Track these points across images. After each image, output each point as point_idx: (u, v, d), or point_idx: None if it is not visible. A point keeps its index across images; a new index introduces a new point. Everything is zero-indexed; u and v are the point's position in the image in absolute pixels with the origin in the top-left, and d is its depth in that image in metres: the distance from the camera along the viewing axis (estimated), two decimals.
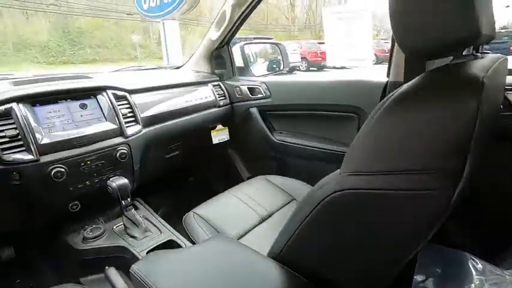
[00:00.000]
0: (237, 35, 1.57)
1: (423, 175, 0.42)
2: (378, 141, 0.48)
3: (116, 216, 1.06)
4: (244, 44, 1.69)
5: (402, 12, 0.48)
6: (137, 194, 1.30)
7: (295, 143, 1.41)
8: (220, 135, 1.61)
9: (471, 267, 0.79)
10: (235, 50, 1.68)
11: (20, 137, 0.88)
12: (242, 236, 1.00)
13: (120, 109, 1.10)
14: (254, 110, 1.52)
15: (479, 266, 0.78)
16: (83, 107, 1.04)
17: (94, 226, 1.07)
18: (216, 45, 1.55)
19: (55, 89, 1.00)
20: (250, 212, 1.10)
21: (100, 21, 19.42)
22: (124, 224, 1.06)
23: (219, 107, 1.53)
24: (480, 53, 0.64)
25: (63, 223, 1.07)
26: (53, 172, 0.92)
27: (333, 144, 1.31)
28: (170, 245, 1.03)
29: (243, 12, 1.38)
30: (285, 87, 1.46)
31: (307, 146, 1.36)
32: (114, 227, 1.08)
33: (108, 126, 1.05)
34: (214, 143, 1.58)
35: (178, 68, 1.79)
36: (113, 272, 0.93)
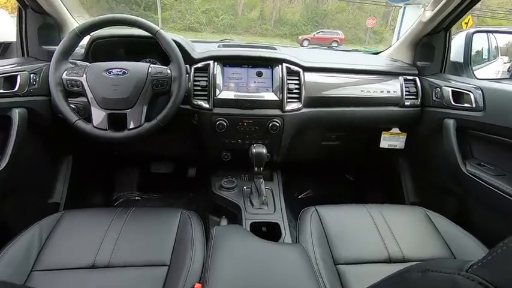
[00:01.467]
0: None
1: None
2: None
3: (252, 179, 1.15)
4: (475, 32, 1.22)
5: None
6: (282, 169, 1.33)
7: (494, 186, 0.92)
8: (392, 140, 1.33)
9: None
10: (458, 40, 1.25)
11: (207, 88, 1.10)
12: (351, 263, 0.82)
13: (288, 83, 1.12)
14: (450, 123, 1.11)
15: None
16: (259, 74, 1.14)
17: (232, 179, 1.21)
18: (429, 30, 1.20)
19: (243, 54, 1.15)
20: (378, 243, 0.87)
21: (344, 5, 20.48)
22: (251, 188, 1.13)
23: (403, 106, 1.24)
24: None
25: (217, 167, 1.29)
26: (217, 123, 1.10)
27: None
28: (274, 227, 1.01)
29: None
30: None
31: None
32: (245, 188, 1.18)
33: (271, 97, 1.11)
34: (381, 146, 1.33)
35: (376, 53, 1.59)
36: (223, 223, 1.04)
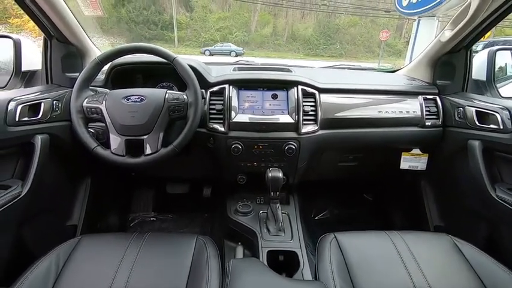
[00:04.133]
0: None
1: None
2: None
3: (268, 203, 1.13)
4: (498, 50, 1.18)
5: None
6: (299, 190, 1.31)
7: None
8: (413, 161, 1.28)
9: None
10: (480, 57, 1.21)
11: (222, 111, 1.10)
12: None
13: (303, 105, 1.11)
14: (476, 144, 1.06)
15: None
16: (274, 97, 1.14)
17: (247, 203, 1.19)
18: (449, 49, 1.17)
19: (258, 78, 1.15)
20: (402, 275, 0.82)
21: (356, 19, 20.63)
22: (267, 213, 1.10)
23: (424, 127, 1.20)
24: None
25: (232, 190, 1.27)
26: (233, 146, 1.09)
27: None
28: (291, 257, 0.97)
29: (500, 6, 0.93)
30: None
31: None
32: (260, 212, 1.15)
33: (287, 119, 1.10)
34: (401, 167, 1.28)
35: (393, 71, 1.56)
36: (238, 252, 1.01)
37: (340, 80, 1.24)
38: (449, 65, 1.22)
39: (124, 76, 1.15)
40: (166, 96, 0.94)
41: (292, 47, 20.20)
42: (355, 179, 1.54)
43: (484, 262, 0.84)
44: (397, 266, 0.84)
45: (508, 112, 0.98)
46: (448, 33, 1.08)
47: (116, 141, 0.91)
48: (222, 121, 1.10)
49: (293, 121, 1.09)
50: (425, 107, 1.21)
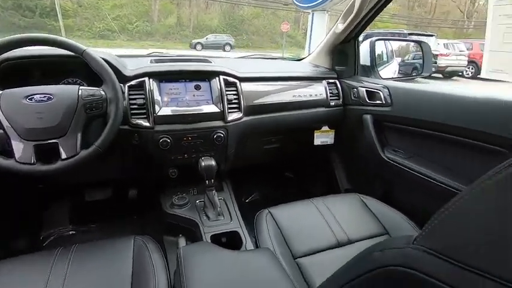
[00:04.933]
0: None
1: None
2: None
3: (203, 192, 1.15)
4: (376, 40, 1.46)
5: None
6: (229, 177, 1.37)
7: (407, 167, 1.13)
8: (323, 137, 1.49)
9: None
10: (364, 46, 1.48)
11: (144, 106, 1.05)
12: (307, 254, 0.90)
13: (227, 95, 1.15)
14: (368, 118, 1.31)
15: None
16: (197, 88, 1.15)
17: (183, 195, 1.20)
18: (342, 39, 1.39)
19: (179, 69, 1.14)
20: (327, 232, 0.98)
21: (259, 11, 21.55)
22: (204, 202, 1.13)
23: (329, 107, 1.40)
24: None
25: (164, 185, 1.25)
26: (161, 140, 1.07)
27: (459, 179, 0.98)
28: (234, 236, 1.04)
29: (377, 3, 1.17)
30: (412, 96, 1.17)
31: (422, 174, 1.07)
32: (197, 202, 1.17)
33: (212, 109, 1.13)
34: (315, 144, 1.48)
35: (299, 60, 1.75)
36: (181, 242, 1.02)
37: (257, 69, 1.33)
38: (343, 53, 1.45)
39: (16, 73, 0.98)
40: (80, 93, 0.85)
41: (199, 38, 19.86)
42: (279, 160, 1.69)
43: (384, 211, 1.07)
44: (322, 226, 0.99)
45: (387, 90, 1.24)
46: (340, 26, 1.29)
47: (21, 147, 0.79)
48: (145, 116, 1.06)
49: (219, 110, 1.13)
50: (329, 89, 1.41)
